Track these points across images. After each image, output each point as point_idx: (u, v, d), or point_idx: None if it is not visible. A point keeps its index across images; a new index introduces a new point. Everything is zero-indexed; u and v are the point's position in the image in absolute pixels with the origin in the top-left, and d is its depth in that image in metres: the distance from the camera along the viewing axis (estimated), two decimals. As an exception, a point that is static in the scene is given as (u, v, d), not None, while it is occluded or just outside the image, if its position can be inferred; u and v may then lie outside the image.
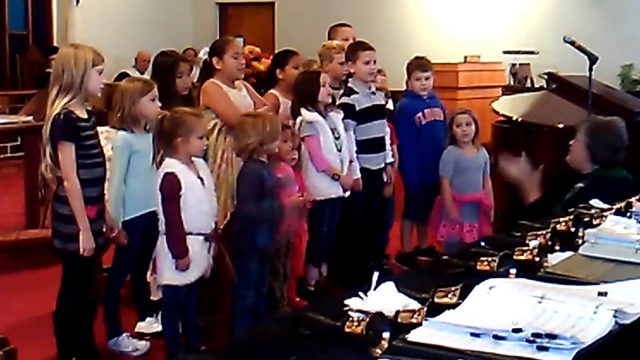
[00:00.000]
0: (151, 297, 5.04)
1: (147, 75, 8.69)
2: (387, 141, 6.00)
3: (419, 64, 6.28)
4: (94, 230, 4.20)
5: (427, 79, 6.24)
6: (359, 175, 5.66)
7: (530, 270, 2.48)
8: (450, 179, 5.88)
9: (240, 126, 4.56)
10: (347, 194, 5.53)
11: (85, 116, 4.18)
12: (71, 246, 4.17)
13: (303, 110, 5.28)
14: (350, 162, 5.55)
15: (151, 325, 4.90)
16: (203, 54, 5.57)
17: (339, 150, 5.44)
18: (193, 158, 4.35)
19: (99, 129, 4.41)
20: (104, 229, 4.37)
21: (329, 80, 5.42)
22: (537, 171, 4.47)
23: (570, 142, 4.49)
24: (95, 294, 4.63)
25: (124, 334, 4.72)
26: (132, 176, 4.53)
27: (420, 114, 6.21)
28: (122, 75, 10.63)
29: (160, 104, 4.59)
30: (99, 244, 4.26)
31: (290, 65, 5.70)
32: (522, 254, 2.57)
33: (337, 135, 5.42)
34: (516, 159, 4.56)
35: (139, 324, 4.92)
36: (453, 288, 2.20)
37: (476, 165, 5.92)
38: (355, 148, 5.65)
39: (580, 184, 4.19)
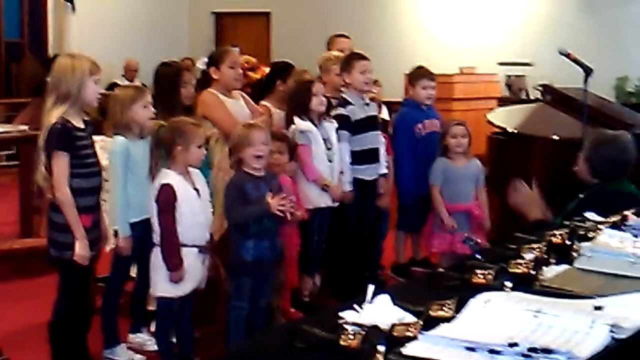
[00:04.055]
0: (149, 307, 5.02)
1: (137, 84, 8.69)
2: (382, 152, 6.00)
3: (425, 73, 6.29)
4: (89, 239, 4.20)
5: (433, 88, 6.25)
6: (351, 187, 5.65)
7: (526, 284, 2.48)
8: (440, 188, 5.87)
9: (234, 134, 4.57)
10: (336, 204, 5.53)
11: (82, 126, 4.20)
12: (67, 254, 4.17)
13: (296, 119, 5.29)
14: (341, 172, 5.55)
15: (144, 344, 4.86)
16: (201, 64, 5.57)
17: (330, 161, 5.44)
18: (189, 169, 4.34)
19: (95, 138, 4.41)
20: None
21: (322, 90, 5.42)
22: (534, 190, 4.43)
23: (579, 154, 4.49)
24: (90, 304, 4.61)
25: (122, 344, 4.71)
26: (128, 183, 4.51)
27: (420, 125, 6.20)
28: (113, 85, 10.63)
29: (163, 114, 4.58)
30: (94, 253, 4.26)
31: (292, 79, 5.71)
32: (518, 267, 2.56)
33: (329, 146, 5.42)
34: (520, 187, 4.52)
35: (131, 336, 4.89)
36: (449, 301, 2.19)
37: (466, 175, 5.91)
38: (349, 159, 5.65)
39: (582, 195, 4.19)
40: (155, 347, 4.62)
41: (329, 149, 5.42)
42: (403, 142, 6.22)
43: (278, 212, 4.38)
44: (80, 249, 4.14)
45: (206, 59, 5.57)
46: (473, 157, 6.00)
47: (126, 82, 11.07)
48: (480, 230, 5.90)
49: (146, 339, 4.88)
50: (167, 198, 4.20)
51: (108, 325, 4.68)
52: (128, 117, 4.49)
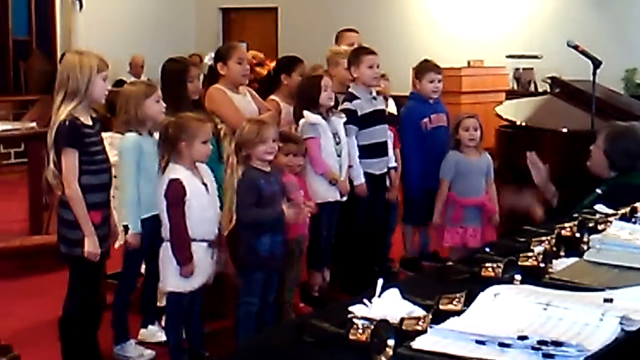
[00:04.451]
0: (157, 303, 5.02)
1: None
2: (390, 145, 5.99)
3: (431, 66, 6.27)
4: (99, 236, 4.20)
5: (439, 81, 6.24)
6: (363, 180, 5.65)
7: (535, 277, 2.48)
8: (449, 182, 5.87)
9: (242, 130, 4.57)
10: (345, 198, 5.53)
11: (90, 122, 4.20)
12: (77, 251, 4.18)
13: (306, 112, 5.28)
14: (350, 166, 5.55)
15: (154, 334, 4.89)
16: (208, 60, 5.56)
17: (339, 155, 5.43)
18: (197, 164, 4.34)
19: (103, 134, 4.42)
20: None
21: (331, 85, 5.42)
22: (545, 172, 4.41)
23: (590, 148, 4.46)
24: (99, 301, 4.62)
25: (131, 341, 4.72)
26: (139, 178, 4.52)
27: (426, 119, 6.19)
28: (119, 82, 10.64)
29: (171, 110, 4.58)
30: (104, 249, 4.26)
31: (297, 72, 5.70)
32: (527, 260, 2.56)
33: (337, 140, 5.42)
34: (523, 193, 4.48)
35: (142, 331, 4.91)
36: (458, 295, 2.19)
37: (478, 169, 5.90)
38: (357, 153, 5.65)
39: (599, 190, 4.16)
40: (165, 337, 4.63)
41: (337, 143, 5.42)
42: (409, 136, 6.21)
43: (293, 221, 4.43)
44: (89, 246, 4.15)
45: (213, 55, 5.56)
46: (483, 150, 5.99)
47: (132, 79, 11.05)
48: (490, 224, 5.90)
49: (156, 330, 4.89)
50: (176, 193, 4.20)
51: (118, 322, 4.69)
52: (142, 112, 4.50)
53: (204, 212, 4.29)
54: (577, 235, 2.86)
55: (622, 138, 4.34)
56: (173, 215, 4.23)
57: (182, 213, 4.21)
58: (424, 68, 6.29)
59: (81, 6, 12.75)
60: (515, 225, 3.50)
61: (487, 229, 5.88)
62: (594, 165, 4.41)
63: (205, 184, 4.33)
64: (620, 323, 2.00)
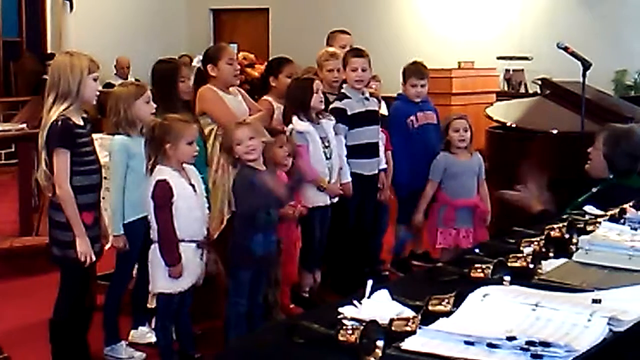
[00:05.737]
0: (147, 305, 5.02)
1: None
2: (381, 147, 5.99)
3: (415, 71, 6.25)
4: (90, 237, 4.20)
5: (422, 86, 6.22)
6: (349, 179, 5.65)
7: (525, 277, 2.49)
8: (438, 183, 5.87)
9: (226, 133, 4.58)
10: (335, 200, 5.53)
11: (82, 123, 4.20)
12: (70, 253, 4.17)
13: (294, 119, 5.27)
14: (340, 168, 5.55)
15: (144, 335, 4.88)
16: (197, 62, 5.56)
17: (328, 158, 5.42)
18: (184, 165, 4.34)
19: (93, 136, 4.42)
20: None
21: (321, 87, 5.42)
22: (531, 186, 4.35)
23: (589, 150, 4.45)
24: (90, 302, 4.61)
25: (122, 342, 4.71)
26: (130, 180, 4.52)
27: (412, 117, 6.18)
28: (108, 85, 10.61)
29: (163, 110, 4.58)
30: (95, 250, 4.26)
31: (284, 74, 5.67)
32: (517, 261, 2.58)
33: (326, 144, 5.41)
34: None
35: (133, 332, 4.90)
36: (447, 296, 2.20)
37: (469, 170, 5.91)
38: (345, 152, 5.65)
39: (594, 189, 4.17)
40: (155, 338, 4.63)
41: (326, 146, 5.41)
42: (397, 136, 6.20)
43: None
44: (81, 246, 4.14)
45: (201, 57, 5.56)
46: (475, 151, 6.00)
47: (120, 81, 11.02)
48: (482, 224, 5.91)
49: (146, 331, 4.88)
50: (163, 194, 4.20)
51: (109, 323, 4.68)
52: (132, 113, 4.50)
53: (192, 212, 4.28)
54: (566, 236, 2.87)
55: (623, 140, 4.33)
56: (160, 216, 4.22)
57: (169, 214, 4.21)
58: (408, 72, 6.26)
59: (72, 7, 12.73)
60: (506, 226, 3.50)
61: (479, 230, 5.89)
62: (593, 167, 4.40)
63: (192, 185, 4.33)
64: (608, 324, 2.01)
